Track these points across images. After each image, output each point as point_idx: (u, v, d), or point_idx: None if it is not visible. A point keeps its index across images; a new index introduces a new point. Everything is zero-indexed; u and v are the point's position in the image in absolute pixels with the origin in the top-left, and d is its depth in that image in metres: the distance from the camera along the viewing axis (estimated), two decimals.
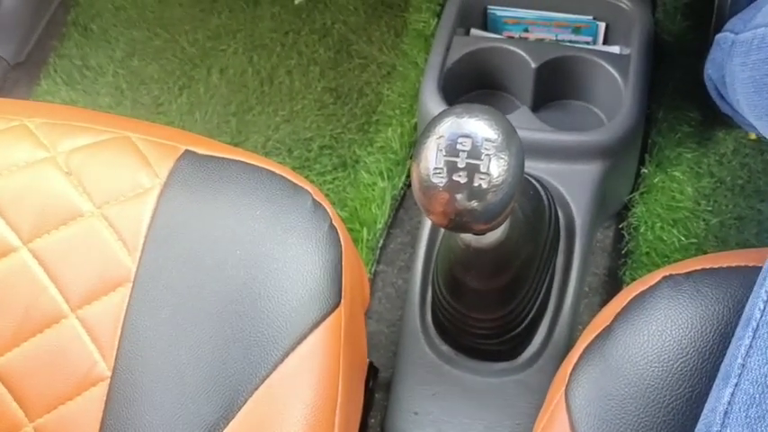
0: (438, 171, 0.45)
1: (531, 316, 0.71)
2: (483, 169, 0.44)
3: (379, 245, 0.92)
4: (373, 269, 0.91)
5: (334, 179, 1.01)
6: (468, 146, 0.44)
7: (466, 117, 0.45)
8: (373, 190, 0.94)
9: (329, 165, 1.02)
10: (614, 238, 0.91)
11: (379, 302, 0.89)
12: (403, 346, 0.76)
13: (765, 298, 0.40)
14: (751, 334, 0.40)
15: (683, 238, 0.87)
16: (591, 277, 0.88)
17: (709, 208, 0.90)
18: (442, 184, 0.45)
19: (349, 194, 0.97)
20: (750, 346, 0.39)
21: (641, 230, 0.87)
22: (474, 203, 0.44)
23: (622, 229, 0.90)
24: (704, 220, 0.90)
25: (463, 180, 0.44)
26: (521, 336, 0.72)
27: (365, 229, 0.91)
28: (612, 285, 0.87)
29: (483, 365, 0.74)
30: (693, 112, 0.94)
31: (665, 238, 0.86)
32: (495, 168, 0.44)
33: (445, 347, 0.75)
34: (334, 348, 0.52)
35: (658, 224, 0.87)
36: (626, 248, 0.88)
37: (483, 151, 0.44)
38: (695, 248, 0.87)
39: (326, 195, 0.99)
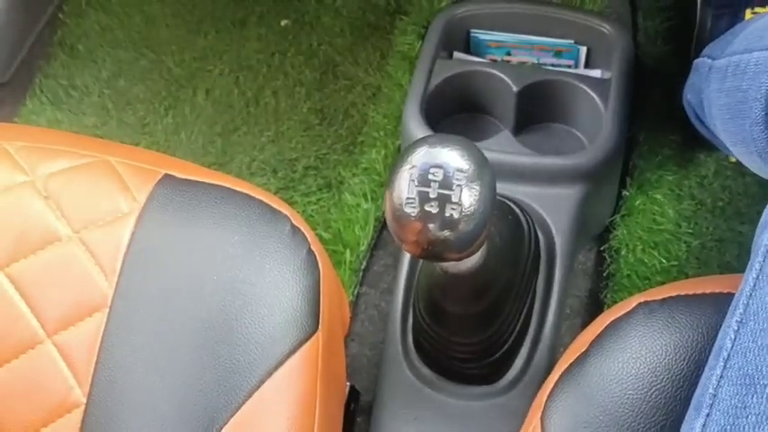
0: (410, 201, 0.45)
1: (511, 339, 0.71)
2: (454, 199, 0.44)
3: (363, 267, 0.91)
4: (356, 291, 0.90)
5: (318, 200, 1.01)
6: (440, 176, 0.44)
7: (438, 147, 0.45)
8: (357, 211, 0.94)
9: (314, 186, 1.02)
10: (596, 260, 0.91)
11: (362, 325, 0.89)
12: (384, 370, 0.76)
13: (736, 328, 0.40)
14: (722, 364, 0.40)
15: (664, 261, 0.87)
16: (572, 299, 0.88)
17: (690, 230, 0.91)
18: (414, 214, 0.45)
19: (333, 216, 0.97)
20: (721, 377, 0.39)
21: (622, 253, 0.87)
22: (446, 233, 0.45)
23: (604, 251, 0.90)
24: (685, 242, 0.90)
25: (435, 210, 0.44)
26: (501, 359, 0.72)
27: (348, 251, 0.91)
28: (594, 308, 0.88)
29: (464, 389, 0.74)
30: (674, 134, 0.95)
31: (647, 261, 0.87)
32: (467, 198, 0.44)
33: (426, 371, 0.75)
34: (311, 375, 0.52)
35: (639, 247, 0.87)
36: (607, 271, 0.88)
37: (454, 181, 0.44)
38: (676, 271, 0.88)
39: (310, 216, 0.99)
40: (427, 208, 0.44)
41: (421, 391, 0.74)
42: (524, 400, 0.72)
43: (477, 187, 0.45)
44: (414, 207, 0.45)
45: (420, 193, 0.45)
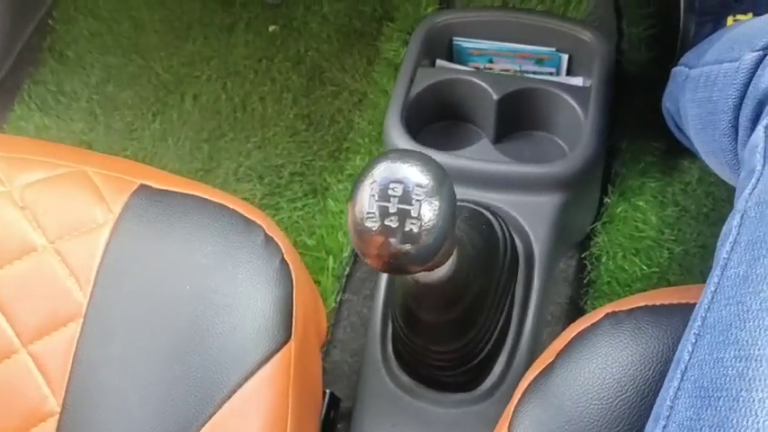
0: (371, 215, 0.45)
1: (488, 347, 0.71)
2: (414, 214, 0.45)
3: (345, 273, 0.92)
4: (338, 298, 0.91)
5: (304, 206, 1.01)
6: (400, 191, 0.45)
7: (398, 162, 0.46)
8: (341, 218, 0.94)
9: (299, 192, 1.03)
10: (577, 267, 0.91)
11: (344, 331, 0.90)
12: (364, 377, 0.77)
13: (694, 340, 0.41)
14: (679, 376, 0.40)
15: (645, 268, 0.88)
16: (553, 306, 0.88)
17: (674, 237, 0.91)
18: (374, 229, 0.45)
19: (317, 221, 0.98)
20: (678, 389, 0.40)
21: (603, 260, 0.88)
22: (407, 247, 0.45)
23: (585, 258, 0.90)
24: (668, 249, 0.90)
25: (395, 225, 0.45)
26: (479, 367, 0.72)
27: (331, 258, 0.91)
28: (574, 315, 0.88)
29: (443, 396, 0.74)
30: (657, 141, 0.95)
31: (627, 268, 0.87)
32: (426, 213, 0.45)
33: (405, 378, 0.75)
34: (283, 384, 0.52)
35: (620, 254, 0.88)
36: (588, 278, 0.88)
37: (414, 197, 0.45)
38: (658, 277, 0.88)
39: (296, 223, 0.99)
40: (387, 222, 0.45)
41: (400, 399, 0.74)
42: (502, 407, 0.72)
43: (437, 202, 0.45)
44: (374, 221, 0.45)
45: (380, 207, 0.45)
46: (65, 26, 1.22)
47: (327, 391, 0.76)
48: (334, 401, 0.78)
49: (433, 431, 0.73)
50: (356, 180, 0.46)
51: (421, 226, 0.45)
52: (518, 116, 0.87)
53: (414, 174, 0.45)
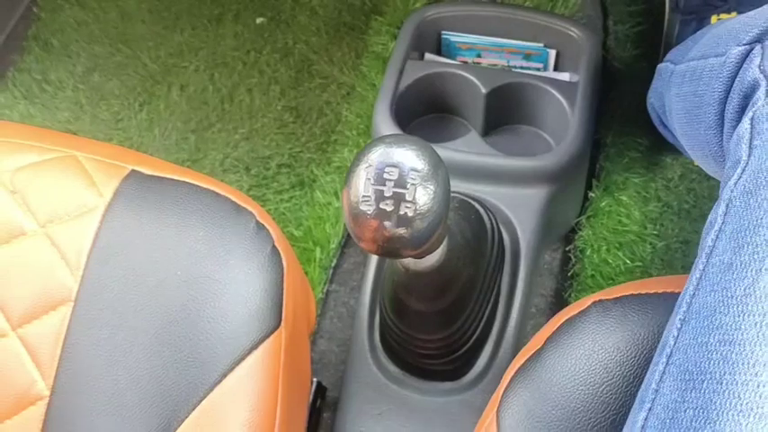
0: (366, 199, 0.46)
1: (475, 337, 0.72)
2: (409, 198, 0.46)
3: (332, 264, 0.92)
4: (326, 288, 0.91)
5: (291, 197, 1.01)
6: (396, 175, 0.46)
7: (394, 147, 0.46)
8: (328, 209, 0.95)
9: (287, 183, 1.03)
10: (561, 260, 0.93)
11: (331, 322, 0.90)
12: (350, 366, 0.77)
13: (679, 325, 0.41)
14: (665, 360, 0.41)
15: (628, 261, 0.89)
16: (538, 298, 0.89)
17: (656, 232, 0.92)
18: (370, 212, 0.46)
19: (305, 213, 0.98)
20: (663, 372, 0.41)
21: (587, 253, 0.89)
22: (402, 230, 0.46)
23: (569, 251, 0.91)
24: (651, 243, 0.92)
25: (390, 208, 0.46)
26: (465, 356, 0.73)
27: (318, 249, 0.91)
28: (559, 307, 0.89)
29: (429, 385, 0.75)
30: (642, 137, 0.96)
31: (611, 261, 0.88)
32: (421, 197, 0.46)
33: (392, 367, 0.76)
34: (273, 370, 0.53)
35: (604, 247, 0.89)
36: (572, 271, 0.89)
37: (409, 180, 0.46)
38: (641, 271, 0.89)
39: (283, 214, 1.00)
40: (382, 206, 0.46)
41: (386, 387, 0.75)
42: (487, 396, 0.73)
43: (432, 186, 0.46)
44: (370, 205, 0.46)
45: (376, 191, 0.46)
46: (50, 14, 1.21)
47: (314, 380, 0.76)
48: (320, 391, 0.78)
49: (418, 419, 0.74)
50: (351, 164, 0.47)
51: (416, 210, 0.45)
52: (506, 110, 0.88)
53: (409, 158, 0.46)
